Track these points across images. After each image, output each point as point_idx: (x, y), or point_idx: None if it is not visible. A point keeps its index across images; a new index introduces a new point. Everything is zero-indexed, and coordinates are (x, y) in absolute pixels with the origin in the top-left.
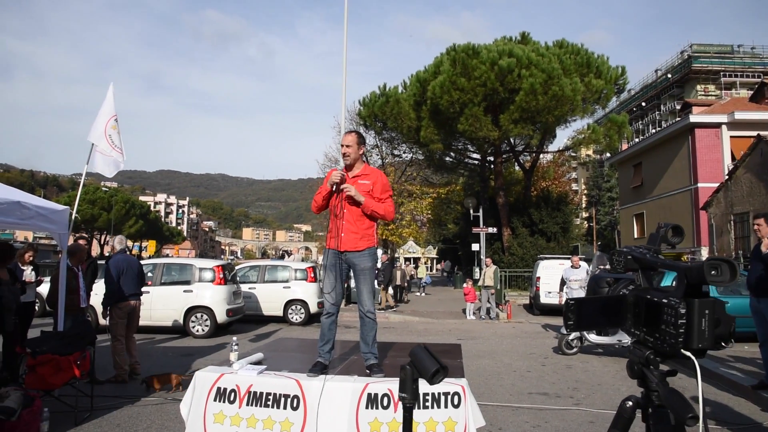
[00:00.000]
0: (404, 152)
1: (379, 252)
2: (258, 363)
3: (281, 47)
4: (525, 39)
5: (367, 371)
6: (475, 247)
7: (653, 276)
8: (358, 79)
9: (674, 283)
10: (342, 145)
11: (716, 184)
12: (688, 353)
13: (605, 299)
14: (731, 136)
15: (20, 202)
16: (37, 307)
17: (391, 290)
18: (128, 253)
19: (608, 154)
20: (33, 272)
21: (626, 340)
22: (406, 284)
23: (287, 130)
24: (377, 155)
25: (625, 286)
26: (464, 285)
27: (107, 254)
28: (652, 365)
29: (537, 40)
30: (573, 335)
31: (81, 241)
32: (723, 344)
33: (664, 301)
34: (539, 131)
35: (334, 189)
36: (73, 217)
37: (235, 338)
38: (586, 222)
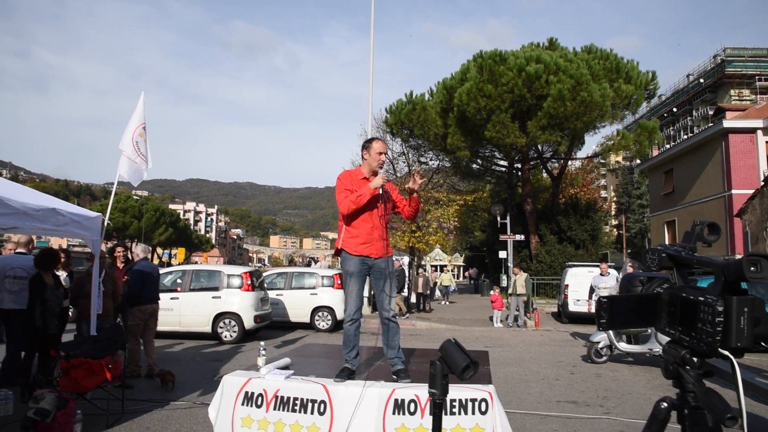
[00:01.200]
0: (431, 159)
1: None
2: (285, 368)
3: (308, 56)
4: (552, 45)
5: (394, 377)
6: (502, 254)
7: (689, 275)
8: (384, 86)
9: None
10: (380, 153)
11: (751, 191)
12: (726, 352)
13: (639, 297)
14: (767, 142)
15: (55, 209)
16: (71, 313)
17: (413, 298)
18: (149, 260)
19: (638, 161)
20: (68, 278)
21: (657, 348)
22: (428, 291)
23: (314, 139)
24: (404, 162)
25: (659, 284)
26: (491, 293)
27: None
28: (688, 365)
29: (565, 45)
30: (602, 343)
31: (119, 249)
32: (763, 344)
33: (701, 298)
34: (567, 137)
35: (380, 193)
36: (105, 224)
37: (262, 343)
38: (615, 229)
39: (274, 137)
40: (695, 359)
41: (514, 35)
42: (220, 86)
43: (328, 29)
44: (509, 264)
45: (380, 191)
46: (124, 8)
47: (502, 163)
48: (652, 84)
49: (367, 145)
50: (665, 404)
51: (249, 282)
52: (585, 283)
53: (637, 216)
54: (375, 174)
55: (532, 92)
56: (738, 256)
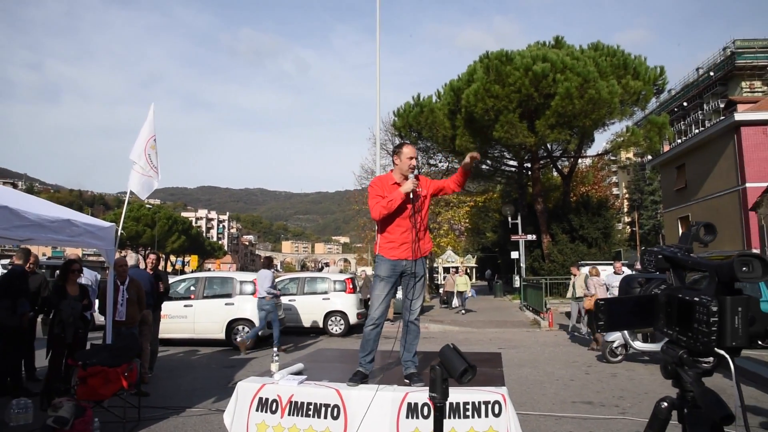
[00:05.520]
0: (440, 161)
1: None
2: (298, 373)
3: (316, 60)
4: (559, 43)
5: (406, 380)
6: (514, 254)
7: (685, 275)
8: (393, 88)
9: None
10: (410, 158)
11: (765, 184)
12: (722, 351)
13: (637, 299)
14: None
15: (70, 220)
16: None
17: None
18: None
19: (649, 157)
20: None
21: None
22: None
23: (324, 143)
24: None
25: (657, 285)
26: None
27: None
28: (686, 365)
29: (571, 43)
30: (617, 343)
31: (151, 257)
32: (759, 342)
33: (696, 299)
34: (576, 136)
35: (411, 197)
36: (119, 233)
37: (275, 349)
38: (628, 227)
39: (283, 142)
40: (693, 359)
41: (521, 32)
42: (229, 93)
43: (335, 33)
44: (521, 264)
45: (410, 195)
46: (134, 18)
47: (511, 163)
48: (660, 79)
49: (398, 150)
50: (666, 404)
51: None
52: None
53: (650, 212)
54: (406, 178)
55: (540, 91)
56: (754, 251)
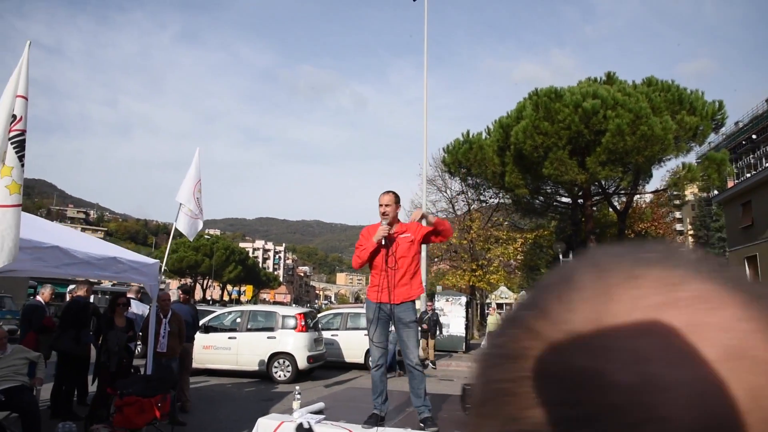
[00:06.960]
0: (491, 197)
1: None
2: (318, 412)
3: (373, 95)
4: (611, 79)
5: (421, 425)
6: None
7: None
8: (447, 122)
9: None
10: (380, 205)
11: None
12: None
13: None
14: None
15: (116, 258)
16: (138, 350)
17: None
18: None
19: (715, 192)
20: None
21: None
22: None
23: (380, 176)
24: (463, 201)
25: None
26: None
27: (209, 299)
28: None
29: (624, 79)
30: None
31: (182, 293)
32: None
33: None
34: (630, 172)
35: (383, 243)
36: (162, 269)
37: (297, 387)
38: None
39: (340, 175)
40: None
41: (578, 66)
42: (288, 127)
43: (393, 68)
44: None
45: (383, 241)
46: (201, 56)
47: (565, 199)
48: (719, 114)
49: None
50: None
51: (303, 323)
52: None
53: (717, 250)
54: (391, 225)
55: (590, 128)
56: None
